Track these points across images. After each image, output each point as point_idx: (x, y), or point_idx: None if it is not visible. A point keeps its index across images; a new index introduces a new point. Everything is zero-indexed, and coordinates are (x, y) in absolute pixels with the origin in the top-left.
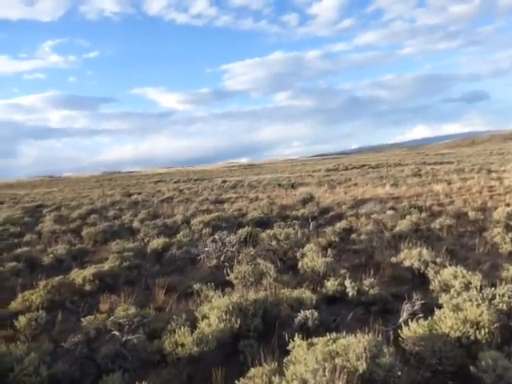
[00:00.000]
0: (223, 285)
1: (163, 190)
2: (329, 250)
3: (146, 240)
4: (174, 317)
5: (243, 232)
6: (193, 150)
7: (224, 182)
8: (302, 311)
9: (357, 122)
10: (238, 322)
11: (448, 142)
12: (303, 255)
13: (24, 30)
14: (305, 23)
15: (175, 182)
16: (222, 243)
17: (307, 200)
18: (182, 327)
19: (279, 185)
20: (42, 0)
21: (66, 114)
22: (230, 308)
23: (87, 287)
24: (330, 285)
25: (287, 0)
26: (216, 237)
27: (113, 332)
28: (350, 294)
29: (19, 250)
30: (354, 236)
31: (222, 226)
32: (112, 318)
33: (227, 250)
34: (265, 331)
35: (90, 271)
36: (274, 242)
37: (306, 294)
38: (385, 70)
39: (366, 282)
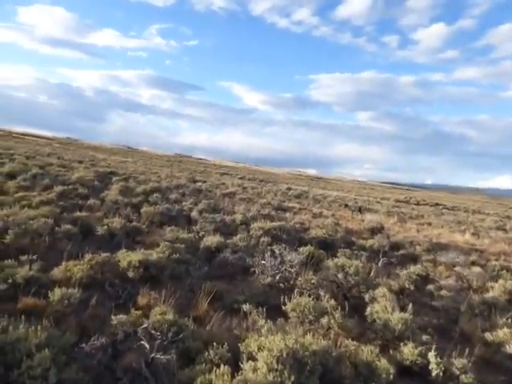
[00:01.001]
0: (275, 312)
1: (227, 183)
2: (406, 302)
3: (201, 234)
4: (215, 344)
5: (305, 251)
6: (264, 150)
7: (289, 189)
8: None
9: (437, 157)
10: (292, 378)
11: None
12: (373, 299)
13: (138, 12)
14: (405, 47)
15: (240, 178)
16: (282, 260)
17: (376, 230)
18: (222, 365)
19: (346, 205)
20: None
21: (156, 93)
22: (284, 355)
23: (130, 273)
24: (408, 353)
25: (392, 21)
26: (276, 251)
27: (142, 342)
28: (434, 374)
29: (78, 214)
30: (431, 287)
31: (283, 238)
32: (145, 324)
33: (286, 270)
34: None
35: (137, 256)
36: (340, 275)
37: (380, 362)
38: (480, 109)
39: (457, 362)
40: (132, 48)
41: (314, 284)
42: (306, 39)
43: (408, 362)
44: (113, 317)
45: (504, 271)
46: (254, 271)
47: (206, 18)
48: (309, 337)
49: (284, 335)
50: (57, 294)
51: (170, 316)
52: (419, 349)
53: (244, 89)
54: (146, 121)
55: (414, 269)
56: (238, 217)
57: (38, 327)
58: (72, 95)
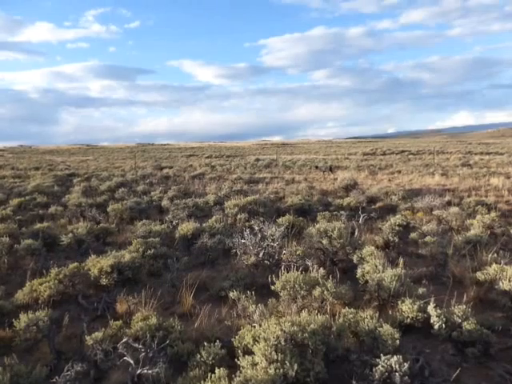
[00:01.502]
0: (265, 292)
1: (195, 164)
2: (394, 255)
3: (174, 223)
4: (206, 343)
5: (284, 221)
6: (226, 125)
7: (257, 160)
8: (382, 358)
9: (396, 104)
10: (295, 366)
11: (491, 131)
12: (362, 259)
13: None
14: None
15: (207, 158)
16: (262, 236)
17: (350, 186)
18: (218, 369)
19: (316, 167)
20: None
21: (106, 83)
22: (282, 342)
23: (104, 280)
24: (408, 310)
25: None
26: (255, 227)
27: (125, 358)
28: (436, 327)
29: (39, 225)
30: (414, 236)
31: (259, 212)
32: (125, 338)
33: (268, 245)
34: (330, 381)
35: (107, 261)
36: (324, 240)
37: (383, 327)
38: (431, 51)
39: (456, 309)
40: (71, 39)
41: (299, 255)
42: (250, 3)
43: (409, 320)
44: (87, 337)
45: (479, 206)
46: (236, 252)
47: None
48: (304, 314)
49: (278, 319)
50: (23, 320)
51: (153, 320)
52: (417, 304)
53: (195, 65)
54: (101, 114)
55: (394, 220)
56: (211, 198)
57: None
58: (16, 100)
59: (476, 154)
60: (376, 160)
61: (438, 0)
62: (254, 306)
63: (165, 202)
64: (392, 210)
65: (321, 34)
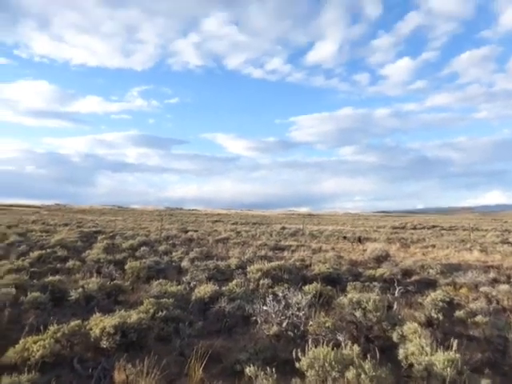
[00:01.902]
0: (287, 369)
1: (220, 229)
2: (438, 335)
3: (192, 284)
4: None
5: (311, 289)
6: (254, 195)
7: (283, 228)
8: None
9: (423, 182)
10: None
11: None
12: (403, 338)
13: (118, 77)
14: (376, 83)
15: (233, 224)
16: (287, 303)
17: (381, 258)
18: None
19: (344, 237)
20: (137, 52)
21: (142, 151)
22: None
23: (104, 343)
24: None
25: (359, 60)
26: (279, 294)
27: None
28: None
29: (50, 278)
30: (460, 314)
31: (284, 279)
32: None
33: (293, 314)
34: None
35: (111, 321)
36: (358, 313)
37: None
38: (457, 132)
39: None
40: (115, 111)
41: (329, 328)
42: (282, 86)
43: None
44: None
45: None
46: (256, 320)
47: (184, 76)
48: None
49: None
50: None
51: None
52: None
53: (227, 138)
54: (135, 179)
55: (436, 295)
56: (233, 261)
57: None
58: (59, 162)
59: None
60: (406, 233)
61: (462, 86)
62: None
63: (185, 263)
64: (430, 284)
65: (348, 113)
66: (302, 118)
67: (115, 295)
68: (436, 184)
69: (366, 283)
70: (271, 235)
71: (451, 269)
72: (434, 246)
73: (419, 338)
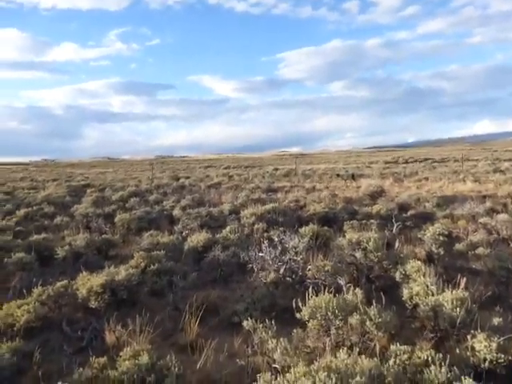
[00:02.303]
0: (287, 318)
1: (212, 175)
2: (440, 270)
3: (184, 233)
4: None
5: (307, 231)
6: (244, 137)
7: (276, 169)
8: None
9: (415, 114)
10: None
11: None
12: (406, 277)
13: (93, 20)
14: (366, 10)
15: (225, 168)
16: (283, 248)
17: (376, 194)
18: None
19: (337, 175)
20: None
21: (127, 99)
22: None
23: (93, 303)
24: (483, 349)
25: None
26: (275, 238)
27: None
28: None
29: (35, 237)
30: (460, 247)
31: (279, 221)
32: None
33: (290, 259)
34: None
35: (98, 280)
36: (358, 253)
37: (464, 382)
38: (450, 59)
39: None
40: (94, 58)
41: (328, 271)
42: (267, 19)
43: (487, 364)
44: None
45: None
46: (253, 268)
47: (163, 14)
48: (343, 355)
49: (309, 365)
50: None
51: (144, 358)
52: (495, 340)
53: (214, 79)
54: (122, 129)
55: (434, 229)
56: (226, 207)
57: None
58: (42, 116)
59: (504, 160)
60: (399, 168)
61: (456, 9)
62: (274, 341)
63: (176, 212)
64: (427, 218)
65: (338, 46)
66: (289, 53)
67: (105, 250)
68: (427, 116)
69: (363, 221)
70: (264, 177)
71: (447, 201)
72: (427, 179)
73: (423, 276)
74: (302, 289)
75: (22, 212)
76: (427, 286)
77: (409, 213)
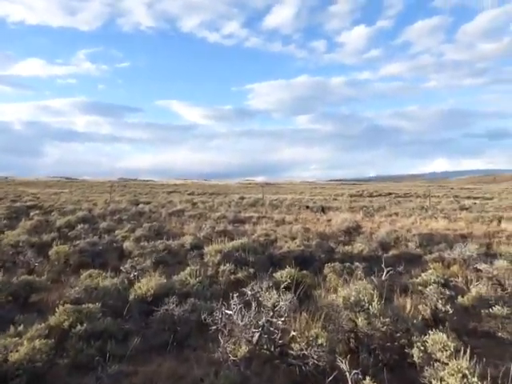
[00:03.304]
0: None
1: (175, 201)
2: (443, 328)
3: (133, 274)
4: None
5: (284, 276)
6: (211, 164)
7: (242, 198)
8: None
9: (376, 150)
10: None
11: (468, 177)
12: (426, 353)
13: (63, 37)
14: (332, 50)
15: (189, 194)
16: (258, 304)
17: (351, 229)
18: None
19: (307, 207)
20: (82, 10)
21: (92, 119)
22: None
23: None
24: None
25: (317, 27)
26: (248, 292)
27: None
28: None
29: None
30: (464, 301)
31: (249, 261)
32: None
33: (268, 322)
34: None
35: None
36: (361, 319)
37: None
38: (408, 101)
39: None
40: (61, 76)
41: (322, 345)
42: (239, 51)
43: None
44: None
45: None
46: (218, 330)
47: (136, 38)
48: None
49: None
50: None
51: None
52: None
53: (183, 105)
54: (85, 149)
55: (429, 276)
56: (188, 239)
57: None
58: (0, 131)
59: (463, 198)
60: (365, 201)
61: (414, 56)
62: None
63: (128, 244)
64: (413, 260)
65: (305, 81)
66: (258, 85)
67: (25, 296)
68: (387, 152)
69: (346, 264)
70: (230, 206)
71: (426, 239)
72: (397, 214)
73: (455, 359)
74: (284, 365)
75: None
76: (467, 379)
77: (390, 253)
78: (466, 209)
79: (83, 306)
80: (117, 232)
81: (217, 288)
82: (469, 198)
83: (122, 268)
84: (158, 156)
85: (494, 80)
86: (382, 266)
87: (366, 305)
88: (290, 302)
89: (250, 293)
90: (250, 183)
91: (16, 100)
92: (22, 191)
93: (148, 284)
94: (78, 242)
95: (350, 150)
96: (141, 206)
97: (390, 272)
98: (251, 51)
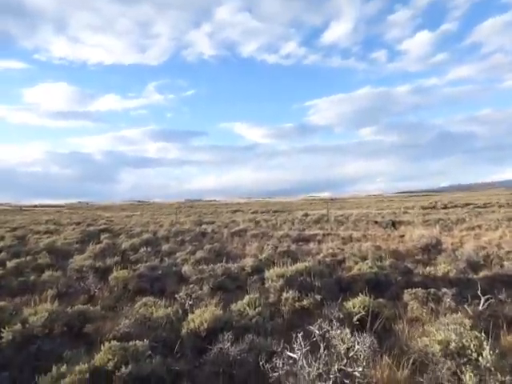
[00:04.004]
0: None
1: (238, 220)
2: None
3: (187, 303)
4: None
5: (356, 306)
6: (273, 182)
7: (306, 215)
8: None
9: (447, 159)
10: None
11: None
12: None
13: (134, 73)
14: (394, 59)
15: (253, 213)
16: (327, 345)
17: (430, 246)
18: None
19: (375, 222)
20: (151, 47)
21: (162, 145)
22: None
23: None
24: None
25: (376, 37)
26: (315, 331)
27: None
28: None
29: None
30: None
31: (314, 286)
32: None
33: (340, 371)
34: None
35: None
36: (469, 376)
37: None
38: (482, 104)
39: None
40: (133, 108)
41: None
42: (297, 69)
43: None
44: None
45: None
46: (279, 380)
47: (199, 67)
48: None
49: None
50: None
51: None
52: None
53: (245, 126)
54: (156, 173)
55: None
56: (249, 262)
57: None
58: (82, 161)
59: None
60: (440, 214)
61: (485, 56)
62: None
63: (186, 268)
64: (507, 282)
65: (367, 92)
66: (319, 101)
67: (79, 327)
68: (460, 160)
69: (430, 289)
70: (293, 223)
71: None
72: (480, 227)
73: None
74: None
75: (12, 263)
76: None
77: (481, 274)
78: None
79: (130, 343)
80: (178, 254)
81: (278, 321)
82: None
83: (176, 296)
84: (223, 176)
85: None
86: (478, 292)
87: (474, 354)
88: (368, 347)
89: (317, 332)
90: (314, 199)
91: (96, 133)
92: (99, 215)
93: (202, 316)
94: (138, 265)
95: (419, 160)
96: (204, 226)
97: (490, 300)
98: (310, 68)
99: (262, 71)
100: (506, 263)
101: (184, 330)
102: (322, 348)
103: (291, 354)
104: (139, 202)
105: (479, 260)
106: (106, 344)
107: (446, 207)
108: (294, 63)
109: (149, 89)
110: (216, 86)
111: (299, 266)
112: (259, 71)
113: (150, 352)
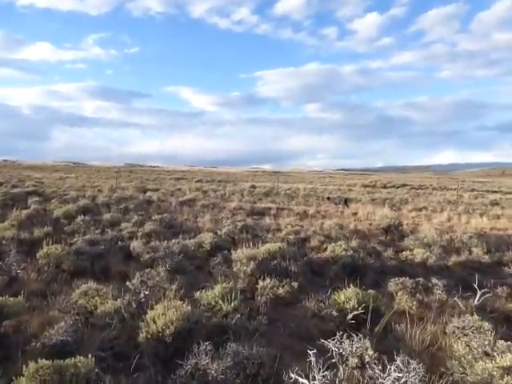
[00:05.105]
0: None
1: (184, 188)
2: None
3: (143, 294)
4: None
5: (348, 301)
6: (218, 151)
7: (253, 187)
8: None
9: (385, 140)
10: None
11: (476, 170)
12: None
13: (72, 22)
14: (344, 38)
15: (198, 181)
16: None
17: (392, 227)
18: None
19: (328, 198)
20: None
21: (101, 104)
22: None
23: None
24: None
25: (329, 14)
26: (333, 349)
27: None
28: None
29: None
30: None
31: (290, 272)
32: None
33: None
34: None
35: None
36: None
37: None
38: (420, 91)
39: None
40: (69, 60)
41: None
42: (248, 38)
43: None
44: None
45: None
46: None
47: (145, 23)
48: None
49: None
50: None
51: None
52: None
53: (191, 92)
54: (94, 134)
55: None
56: (207, 238)
57: None
58: (9, 115)
59: (483, 191)
60: (383, 193)
61: (427, 45)
62: None
63: (136, 244)
64: (486, 272)
65: (315, 69)
66: (267, 72)
67: None
68: (396, 143)
69: (419, 279)
70: (242, 195)
71: (485, 242)
72: (426, 209)
73: None
74: None
75: None
76: None
77: (452, 260)
78: (497, 204)
79: (67, 361)
80: (123, 225)
81: (259, 318)
82: (487, 191)
83: (129, 284)
84: (166, 142)
85: (508, 71)
86: (475, 285)
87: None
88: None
89: (336, 350)
90: (257, 171)
91: (25, 84)
92: (27, 176)
93: (166, 315)
94: (75, 238)
95: (358, 140)
96: (148, 193)
97: (486, 294)
98: (261, 38)
99: (212, 35)
100: (474, 249)
101: (142, 335)
102: (341, 370)
103: (303, 381)
104: (75, 163)
105: (445, 244)
106: (31, 365)
107: (385, 187)
108: (245, 31)
109: (88, 41)
110: (163, 47)
111: (271, 246)
112: (209, 35)
113: (96, 371)
